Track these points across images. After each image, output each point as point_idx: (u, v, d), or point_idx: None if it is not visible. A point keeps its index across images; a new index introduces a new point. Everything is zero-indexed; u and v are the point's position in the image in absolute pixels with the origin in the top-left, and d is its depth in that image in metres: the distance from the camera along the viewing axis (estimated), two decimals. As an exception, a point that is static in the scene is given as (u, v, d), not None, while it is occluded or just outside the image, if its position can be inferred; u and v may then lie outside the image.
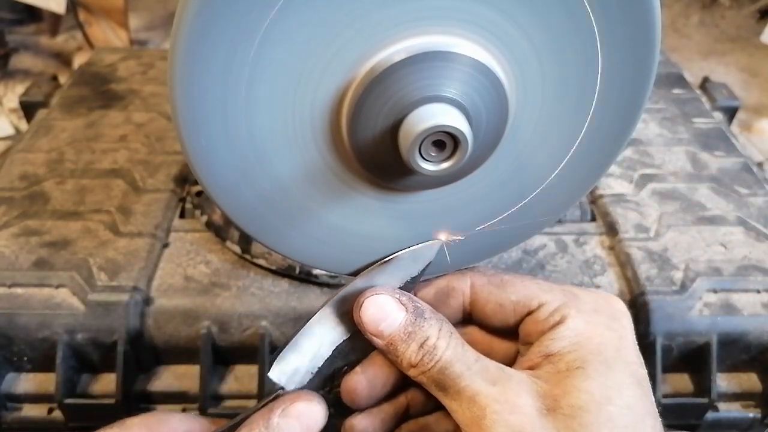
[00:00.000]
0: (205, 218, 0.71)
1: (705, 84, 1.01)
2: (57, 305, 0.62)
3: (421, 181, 0.37)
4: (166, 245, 0.70)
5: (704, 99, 0.97)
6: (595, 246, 0.71)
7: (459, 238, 0.41)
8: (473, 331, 0.44)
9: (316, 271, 0.65)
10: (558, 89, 0.36)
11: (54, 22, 1.92)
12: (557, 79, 0.36)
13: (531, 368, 0.38)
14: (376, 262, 0.41)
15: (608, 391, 0.35)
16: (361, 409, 0.43)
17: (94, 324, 0.61)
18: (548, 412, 0.35)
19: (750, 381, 0.66)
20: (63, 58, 1.89)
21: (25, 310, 0.62)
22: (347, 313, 0.41)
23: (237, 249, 0.68)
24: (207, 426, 0.43)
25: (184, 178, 0.78)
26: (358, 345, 0.42)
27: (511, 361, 0.42)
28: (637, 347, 0.38)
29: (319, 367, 0.41)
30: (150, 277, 0.65)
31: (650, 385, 0.37)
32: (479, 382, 0.36)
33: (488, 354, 0.40)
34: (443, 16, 0.32)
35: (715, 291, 0.65)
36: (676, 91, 0.98)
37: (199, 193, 0.75)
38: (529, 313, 0.40)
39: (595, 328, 0.38)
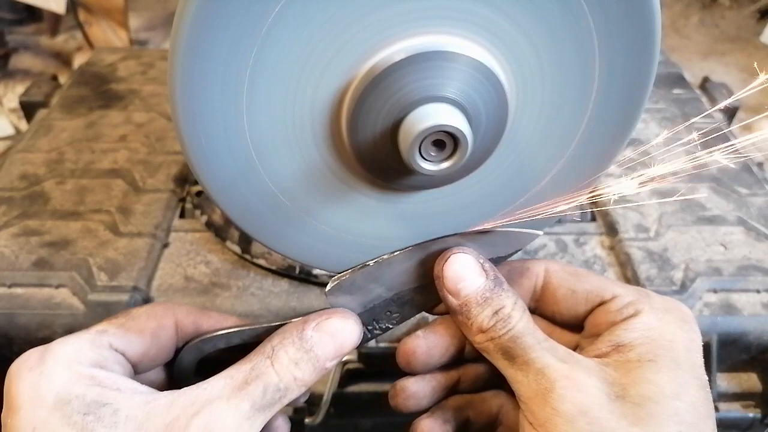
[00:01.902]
0: (205, 218, 0.71)
1: (705, 84, 1.00)
2: (57, 305, 0.62)
3: (421, 181, 0.37)
4: (166, 245, 0.70)
5: (704, 99, 0.97)
6: (595, 246, 0.71)
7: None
8: (535, 320, 0.44)
9: (316, 271, 0.65)
10: (558, 89, 0.36)
11: (54, 22, 1.93)
12: (557, 79, 0.36)
13: (598, 356, 0.38)
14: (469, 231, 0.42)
15: (677, 387, 0.35)
16: (413, 374, 0.44)
17: (94, 324, 0.61)
18: (616, 398, 0.35)
19: (750, 381, 0.66)
20: (63, 58, 1.89)
21: (25, 310, 0.62)
22: (425, 265, 0.41)
23: (237, 249, 0.68)
24: (217, 319, 0.43)
25: (184, 178, 0.78)
26: (419, 299, 0.42)
27: None
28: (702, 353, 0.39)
29: (374, 305, 0.42)
30: (150, 277, 0.65)
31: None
32: (549, 356, 0.37)
33: None
34: (443, 16, 0.32)
35: (715, 291, 0.65)
36: (676, 91, 0.98)
37: (199, 193, 0.75)
38: (601, 304, 0.40)
39: (667, 326, 0.38)
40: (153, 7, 2.21)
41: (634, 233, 0.71)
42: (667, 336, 0.37)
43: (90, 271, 0.64)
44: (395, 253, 0.41)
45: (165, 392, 0.35)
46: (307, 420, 0.62)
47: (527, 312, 0.39)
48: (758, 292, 0.65)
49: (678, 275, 0.66)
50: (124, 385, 0.35)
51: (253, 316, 0.63)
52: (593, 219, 0.75)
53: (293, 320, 0.39)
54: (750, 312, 0.63)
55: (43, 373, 0.35)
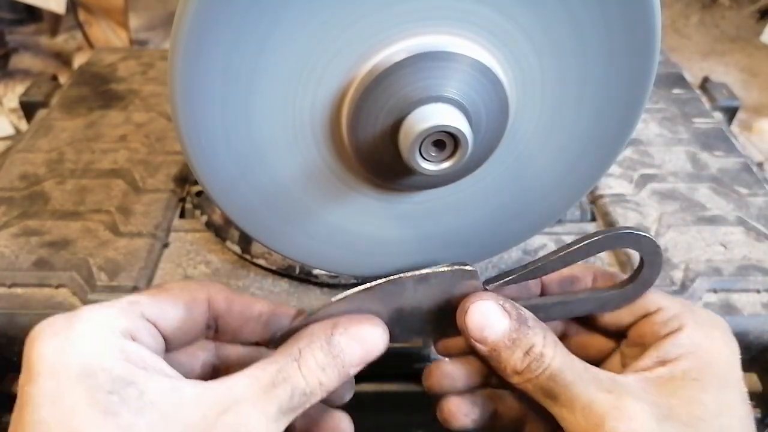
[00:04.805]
0: (205, 218, 0.71)
1: (705, 84, 1.00)
2: (57, 305, 0.62)
3: (422, 181, 0.37)
4: (166, 245, 0.70)
5: (704, 99, 0.97)
6: (595, 246, 0.71)
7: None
8: (570, 324, 0.45)
9: (316, 271, 0.65)
10: (558, 89, 0.36)
11: (54, 22, 1.92)
12: (557, 78, 0.36)
13: (643, 371, 0.38)
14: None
15: (722, 404, 0.36)
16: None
17: (94, 324, 0.61)
18: (664, 419, 0.35)
19: (750, 381, 0.66)
20: (63, 58, 1.89)
21: (25, 310, 0.61)
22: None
23: (237, 249, 0.68)
24: (249, 301, 0.41)
25: (184, 178, 0.78)
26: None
27: (605, 358, 0.43)
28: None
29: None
30: (150, 277, 0.65)
31: None
32: (593, 390, 0.36)
33: (584, 348, 0.42)
34: (443, 16, 0.32)
35: (715, 291, 0.65)
36: (676, 91, 0.98)
37: (199, 193, 0.75)
38: (646, 316, 0.41)
39: (712, 342, 0.38)
40: (153, 7, 2.21)
41: (634, 233, 0.71)
42: (713, 352, 0.38)
43: (90, 271, 0.64)
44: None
45: (190, 382, 0.34)
46: (307, 420, 0.62)
47: (560, 345, 0.38)
48: (758, 292, 0.65)
49: (678, 275, 0.66)
50: (151, 363, 0.34)
51: (253, 316, 0.63)
52: (593, 219, 0.75)
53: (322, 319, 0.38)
54: (750, 312, 0.63)
55: (69, 338, 0.32)
